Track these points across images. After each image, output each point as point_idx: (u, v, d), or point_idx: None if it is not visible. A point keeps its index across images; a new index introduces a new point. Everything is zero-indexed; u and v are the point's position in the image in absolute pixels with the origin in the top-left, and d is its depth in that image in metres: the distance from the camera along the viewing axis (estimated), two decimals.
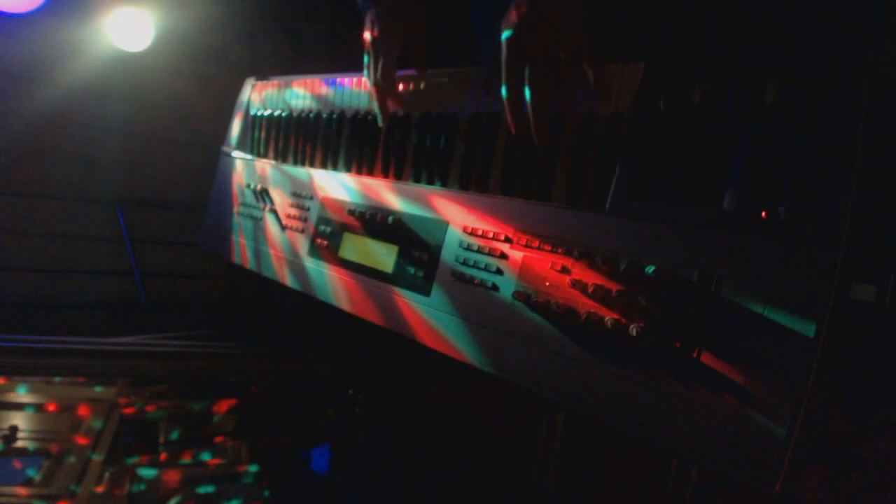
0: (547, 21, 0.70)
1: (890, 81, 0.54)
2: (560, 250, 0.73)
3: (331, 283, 1.05)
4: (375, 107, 1.02)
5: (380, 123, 1.03)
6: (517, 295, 0.75)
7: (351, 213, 1.05)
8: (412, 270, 0.90)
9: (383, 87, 1.00)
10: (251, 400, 1.80)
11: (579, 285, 0.69)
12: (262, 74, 1.47)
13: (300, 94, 1.31)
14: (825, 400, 0.53)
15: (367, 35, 1.02)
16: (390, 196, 0.99)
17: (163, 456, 1.60)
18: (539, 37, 0.70)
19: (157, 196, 2.37)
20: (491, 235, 0.81)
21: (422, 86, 1.03)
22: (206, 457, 1.65)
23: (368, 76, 1.04)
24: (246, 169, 1.40)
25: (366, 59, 1.03)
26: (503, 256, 0.78)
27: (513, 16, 0.71)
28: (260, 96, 1.45)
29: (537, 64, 0.70)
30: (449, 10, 1.22)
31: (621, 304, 0.66)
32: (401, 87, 1.04)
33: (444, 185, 0.94)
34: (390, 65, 0.99)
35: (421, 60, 1.01)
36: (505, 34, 0.72)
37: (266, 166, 1.33)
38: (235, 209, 1.39)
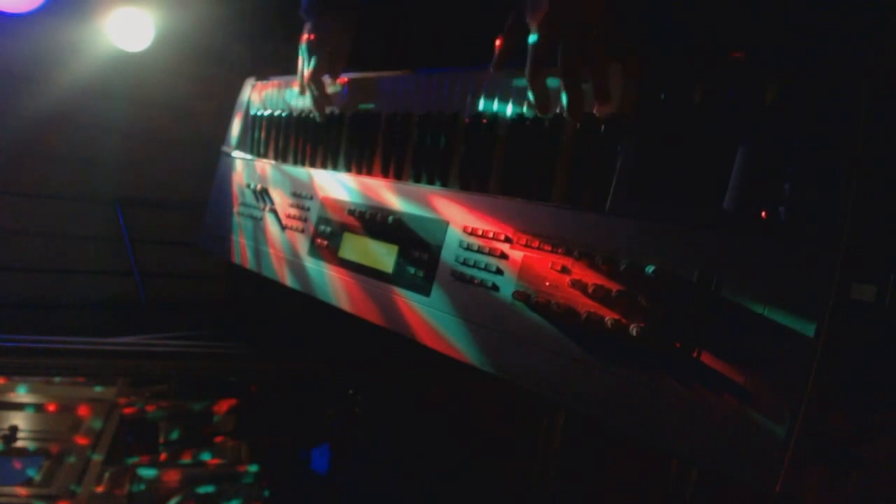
0: (575, 3, 0.70)
1: (890, 81, 0.54)
2: (560, 250, 0.73)
3: (331, 283, 1.05)
4: (312, 104, 1.20)
5: (319, 118, 1.21)
6: (517, 295, 0.74)
7: (351, 213, 1.05)
8: (412, 270, 0.90)
9: (311, 87, 1.18)
10: (251, 400, 1.80)
11: (579, 285, 0.69)
12: (262, 74, 1.47)
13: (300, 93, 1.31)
14: (825, 400, 0.53)
15: (301, 43, 1.19)
16: (390, 196, 0.99)
17: (163, 456, 1.59)
18: (570, 19, 0.70)
19: (157, 196, 2.38)
20: (491, 235, 0.81)
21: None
22: (206, 457, 1.65)
23: (299, 77, 1.20)
24: (246, 169, 1.40)
25: (299, 62, 1.20)
26: (503, 256, 0.78)
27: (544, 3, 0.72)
28: (260, 96, 1.45)
29: (570, 44, 0.70)
30: (449, 10, 1.23)
31: (621, 304, 0.66)
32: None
33: (444, 185, 0.94)
34: (319, 69, 1.16)
35: (336, 72, 1.19)
36: (536, 20, 0.72)
37: (266, 166, 1.33)
38: (235, 209, 1.39)
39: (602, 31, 0.71)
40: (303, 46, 1.19)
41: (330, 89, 1.20)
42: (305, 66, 1.19)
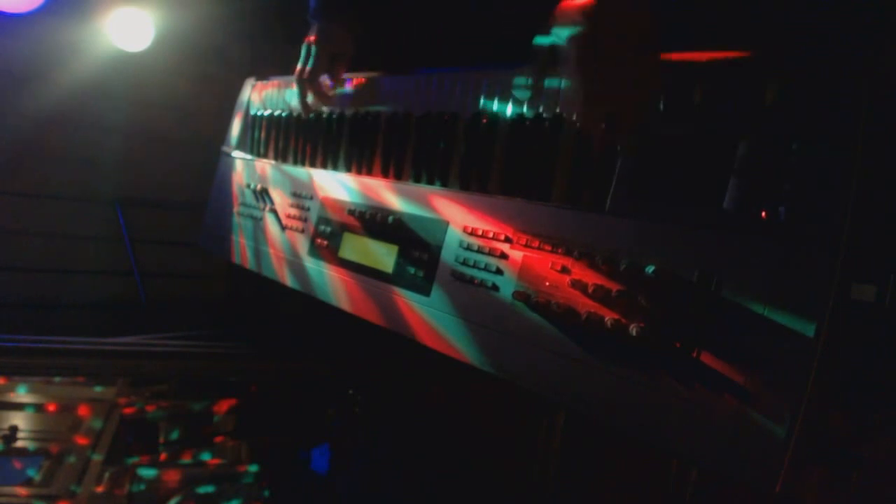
0: (616, 10, 0.65)
1: (890, 81, 0.54)
2: (560, 250, 0.73)
3: (331, 283, 1.05)
4: (297, 101, 1.21)
5: (302, 115, 1.23)
6: (517, 295, 0.74)
7: (351, 212, 1.05)
8: (412, 270, 0.90)
9: (306, 85, 1.18)
10: (251, 400, 1.80)
11: (579, 285, 0.69)
12: (262, 74, 1.47)
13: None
14: (825, 400, 0.53)
15: (306, 41, 1.19)
16: (390, 196, 0.99)
17: (163, 456, 1.59)
18: (606, 28, 0.65)
19: (157, 196, 2.38)
20: (491, 235, 0.81)
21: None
22: (206, 457, 1.65)
23: (296, 74, 1.20)
24: (246, 169, 1.40)
25: (300, 60, 1.20)
26: (503, 256, 0.78)
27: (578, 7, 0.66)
28: (260, 96, 1.45)
29: (604, 58, 0.65)
30: (448, 11, 1.23)
31: (621, 304, 0.66)
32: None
33: (444, 185, 0.94)
34: (317, 68, 1.17)
35: (339, 73, 1.20)
36: (568, 25, 0.67)
37: (266, 166, 1.33)
38: (235, 209, 1.39)
39: (643, 36, 0.66)
40: (304, 46, 1.20)
41: (333, 90, 1.20)
42: (301, 64, 1.19)
